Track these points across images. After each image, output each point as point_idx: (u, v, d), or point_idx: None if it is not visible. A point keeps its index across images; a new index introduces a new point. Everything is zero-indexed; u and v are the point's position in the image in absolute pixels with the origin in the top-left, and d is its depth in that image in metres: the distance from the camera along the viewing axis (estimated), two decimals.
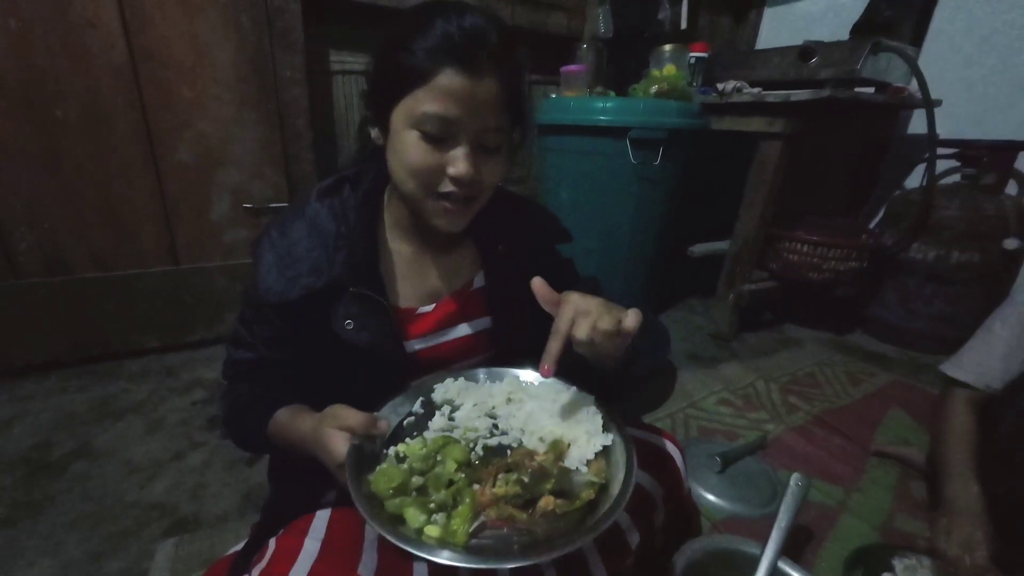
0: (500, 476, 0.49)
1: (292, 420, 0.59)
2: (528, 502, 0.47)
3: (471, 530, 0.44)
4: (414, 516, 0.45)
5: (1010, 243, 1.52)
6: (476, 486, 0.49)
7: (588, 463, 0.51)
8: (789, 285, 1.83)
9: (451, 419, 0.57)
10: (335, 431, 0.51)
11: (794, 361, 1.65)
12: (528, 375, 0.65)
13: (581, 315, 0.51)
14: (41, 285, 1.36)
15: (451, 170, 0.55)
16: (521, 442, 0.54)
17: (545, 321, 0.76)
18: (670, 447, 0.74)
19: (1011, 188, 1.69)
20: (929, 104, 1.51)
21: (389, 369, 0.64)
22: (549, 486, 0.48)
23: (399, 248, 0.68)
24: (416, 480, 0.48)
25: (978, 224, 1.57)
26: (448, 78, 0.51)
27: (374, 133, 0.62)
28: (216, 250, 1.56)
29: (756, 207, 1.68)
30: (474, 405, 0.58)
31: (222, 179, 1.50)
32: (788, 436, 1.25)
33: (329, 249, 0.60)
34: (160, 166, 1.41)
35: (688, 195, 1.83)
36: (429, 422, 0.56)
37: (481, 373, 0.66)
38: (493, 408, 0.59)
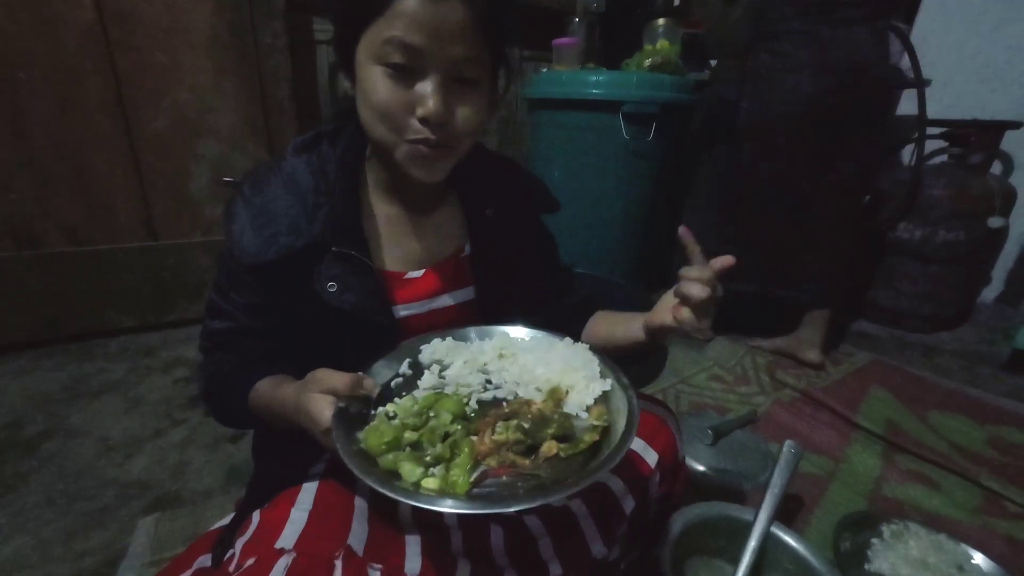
0: (499, 424, 0.47)
1: (274, 390, 0.55)
2: (529, 449, 0.45)
3: (472, 480, 0.42)
4: (410, 470, 0.42)
5: (994, 221, 1.54)
6: (474, 438, 0.46)
7: (588, 409, 0.48)
8: None
9: (441, 377, 0.54)
10: (319, 395, 0.47)
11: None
12: (518, 331, 0.61)
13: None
14: (9, 259, 1.29)
15: (419, 110, 0.49)
16: (516, 394, 0.52)
17: (530, 292, 0.74)
18: (664, 414, 0.73)
19: (996, 167, 1.71)
20: (920, 83, 1.51)
21: (376, 335, 0.60)
22: (551, 431, 0.45)
23: (382, 208, 0.64)
24: (409, 435, 0.45)
25: (964, 203, 1.58)
26: (411, 1, 0.46)
27: (346, 84, 0.56)
28: (196, 225, 1.50)
29: None
30: (464, 363, 0.54)
31: (201, 151, 1.44)
32: (777, 410, 1.26)
33: (308, 206, 0.56)
34: (134, 135, 1.34)
35: (679, 173, 1.82)
36: (418, 381, 0.53)
37: (471, 332, 0.62)
38: (485, 365, 0.55)
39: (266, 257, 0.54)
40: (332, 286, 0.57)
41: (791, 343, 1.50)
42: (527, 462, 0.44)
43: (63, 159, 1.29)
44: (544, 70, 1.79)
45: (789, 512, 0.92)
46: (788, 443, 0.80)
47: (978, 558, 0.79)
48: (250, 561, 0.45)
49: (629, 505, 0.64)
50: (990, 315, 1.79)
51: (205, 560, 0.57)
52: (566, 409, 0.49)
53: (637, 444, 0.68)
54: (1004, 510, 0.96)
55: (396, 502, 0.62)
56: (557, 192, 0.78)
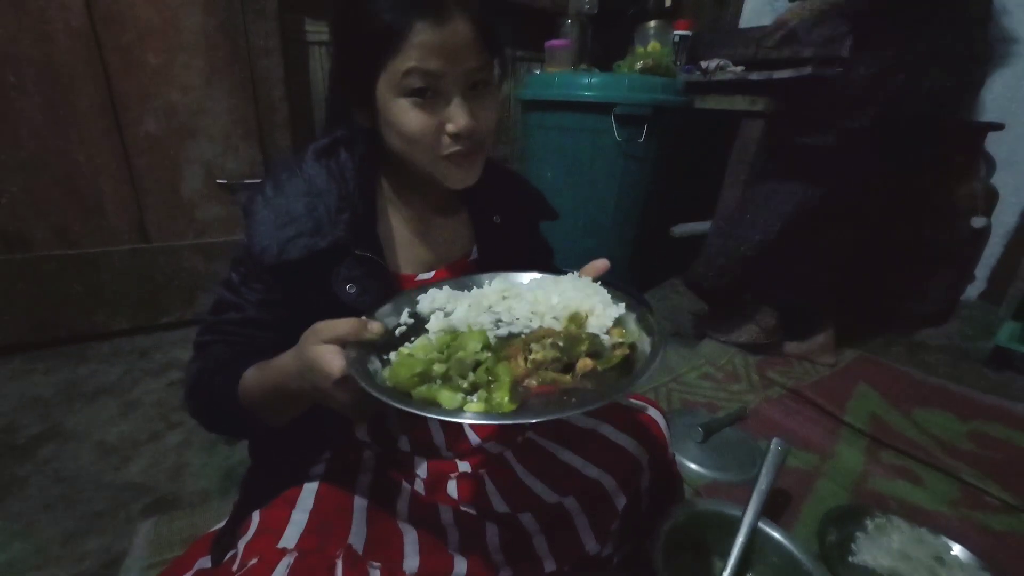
0: (533, 345, 0.45)
1: (265, 366, 0.53)
2: (565, 368, 0.44)
3: (517, 401, 0.40)
4: (450, 398, 0.40)
5: (977, 221, 1.57)
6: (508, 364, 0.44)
7: (608, 331, 0.48)
8: None
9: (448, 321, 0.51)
10: (324, 346, 0.45)
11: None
12: (518, 276, 0.60)
13: None
14: (1, 263, 1.28)
15: (450, 127, 0.53)
16: (531, 328, 0.49)
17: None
18: (653, 412, 0.75)
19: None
20: None
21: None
22: (584, 347, 0.45)
23: (397, 213, 0.66)
24: (439, 368, 0.43)
25: (948, 202, 1.62)
26: (421, 33, 0.49)
27: (360, 117, 0.59)
28: (188, 227, 1.50)
29: (738, 187, 1.69)
30: (469, 306, 0.52)
31: (193, 152, 1.43)
32: (766, 408, 1.28)
33: (331, 210, 0.57)
34: (126, 137, 1.34)
35: (671, 175, 1.84)
36: (426, 326, 0.50)
37: (468, 280, 0.60)
38: (491, 307, 0.52)
39: (289, 256, 0.55)
40: (351, 288, 0.58)
41: (811, 348, 1.54)
42: (567, 379, 0.43)
43: (54, 162, 1.28)
44: (537, 72, 1.80)
45: (777, 507, 0.95)
46: (775, 440, 0.82)
47: (957, 549, 0.82)
48: (253, 560, 0.46)
49: (621, 502, 0.66)
50: (974, 312, 1.83)
51: (205, 562, 0.58)
52: (588, 330, 0.47)
53: (628, 441, 0.69)
54: (982, 503, 0.99)
55: (394, 503, 0.64)
56: (550, 193, 0.81)
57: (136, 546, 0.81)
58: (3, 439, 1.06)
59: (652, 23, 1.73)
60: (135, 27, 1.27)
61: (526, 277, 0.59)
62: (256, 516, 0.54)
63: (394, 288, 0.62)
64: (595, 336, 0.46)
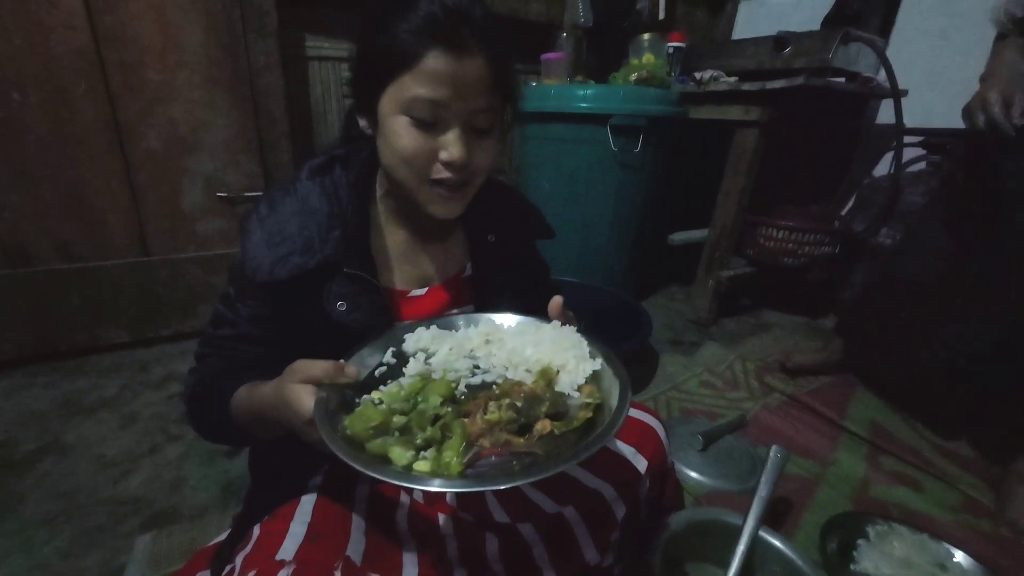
0: (491, 404, 0.46)
1: (253, 390, 0.54)
2: (523, 428, 0.44)
3: (465, 460, 0.40)
4: (400, 455, 0.40)
5: None
6: (465, 420, 0.45)
7: (579, 388, 0.48)
8: (765, 271, 1.88)
9: (427, 364, 0.53)
10: (299, 385, 0.46)
11: (769, 345, 1.70)
12: (505, 318, 0.61)
13: None
14: (2, 277, 1.29)
15: (443, 155, 0.54)
16: (505, 377, 0.51)
17: (527, 311, 0.77)
18: (652, 421, 0.75)
19: None
20: (896, 93, 1.56)
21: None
22: (544, 409, 0.44)
23: (391, 231, 0.67)
24: (398, 419, 0.44)
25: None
26: (435, 60, 0.50)
27: (363, 123, 0.60)
28: (189, 240, 1.51)
29: (733, 195, 1.71)
30: (450, 349, 0.53)
31: (194, 166, 1.45)
32: (765, 415, 1.28)
33: (323, 228, 0.58)
34: (128, 152, 1.35)
35: (667, 184, 1.86)
36: (404, 368, 0.52)
37: (456, 319, 0.62)
38: (472, 351, 0.54)
39: (278, 276, 0.56)
40: (342, 305, 0.59)
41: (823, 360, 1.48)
42: (521, 440, 0.43)
43: (56, 177, 1.29)
44: (533, 84, 1.83)
45: (778, 515, 0.94)
46: (774, 448, 0.82)
47: (959, 556, 0.82)
48: (251, 573, 0.46)
49: (620, 512, 0.66)
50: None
51: (205, 575, 0.58)
52: (557, 389, 0.48)
53: (627, 451, 0.70)
54: (984, 509, 0.99)
55: (393, 514, 0.64)
56: (546, 203, 0.82)
57: (135, 560, 0.81)
58: (3, 454, 1.05)
59: (647, 35, 1.76)
60: (138, 45, 1.29)
61: (512, 320, 0.60)
62: (256, 529, 0.54)
63: (386, 305, 0.63)
64: (559, 396, 0.47)
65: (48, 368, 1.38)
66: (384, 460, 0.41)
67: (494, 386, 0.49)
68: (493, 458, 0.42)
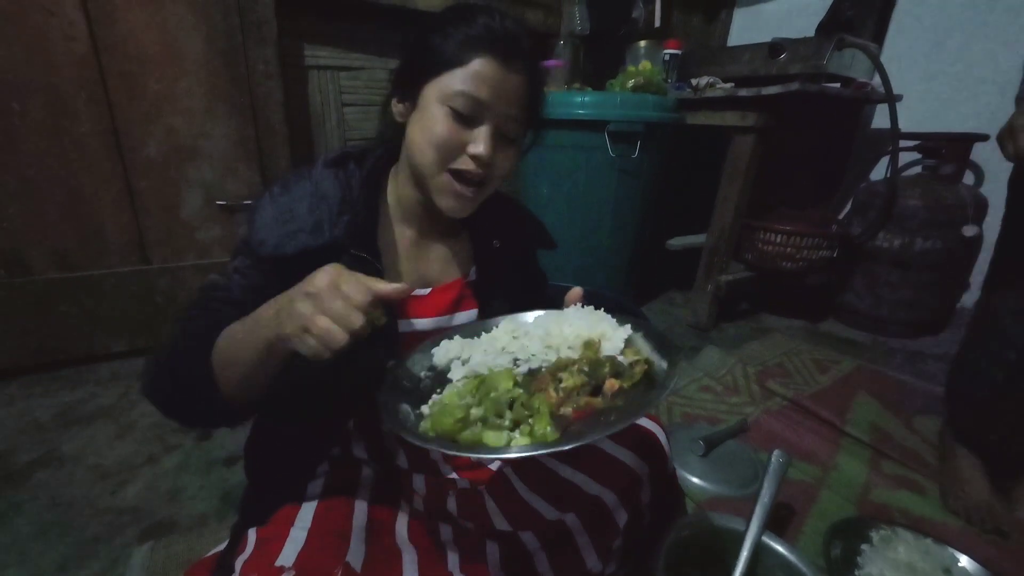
0: (562, 374, 0.48)
1: (253, 313, 0.50)
2: (594, 391, 0.47)
3: (559, 428, 0.43)
4: (496, 438, 0.42)
5: (968, 230, 1.59)
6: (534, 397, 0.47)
7: (622, 352, 0.51)
8: (764, 275, 1.89)
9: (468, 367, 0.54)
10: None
11: (769, 349, 1.70)
12: (523, 316, 0.62)
13: None
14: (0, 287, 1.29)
15: (472, 148, 0.57)
16: (554, 359, 0.52)
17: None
18: (653, 427, 0.75)
19: (968, 178, 1.78)
20: (891, 98, 1.57)
21: (378, 343, 0.60)
22: (607, 369, 0.48)
23: (398, 229, 0.68)
24: (475, 411, 0.45)
25: (939, 212, 1.64)
26: (485, 64, 0.56)
27: (398, 108, 0.63)
28: (189, 249, 1.51)
29: (731, 199, 1.72)
30: (484, 351, 0.54)
31: (193, 175, 1.45)
32: (766, 419, 1.28)
33: (333, 212, 0.60)
34: (127, 161, 1.36)
35: (665, 190, 1.87)
36: (448, 375, 0.53)
37: (476, 326, 0.62)
38: (503, 348, 0.55)
39: (284, 251, 0.57)
40: None
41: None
42: (598, 400, 0.45)
43: (55, 186, 1.29)
44: None
45: (780, 520, 0.94)
46: (776, 453, 0.82)
47: (964, 561, 0.81)
48: None
49: (622, 518, 0.65)
50: (970, 320, 1.84)
51: None
52: (604, 353, 0.50)
53: (628, 456, 0.69)
54: None
55: (393, 522, 0.63)
56: (545, 208, 0.83)
57: (132, 572, 0.80)
58: (0, 465, 1.05)
59: (643, 43, 1.78)
60: (137, 54, 1.30)
61: (530, 316, 0.62)
62: (252, 534, 0.53)
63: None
64: (613, 358, 0.49)
65: (46, 378, 1.37)
66: (480, 446, 0.42)
67: (543, 369, 0.51)
68: (584, 420, 0.44)
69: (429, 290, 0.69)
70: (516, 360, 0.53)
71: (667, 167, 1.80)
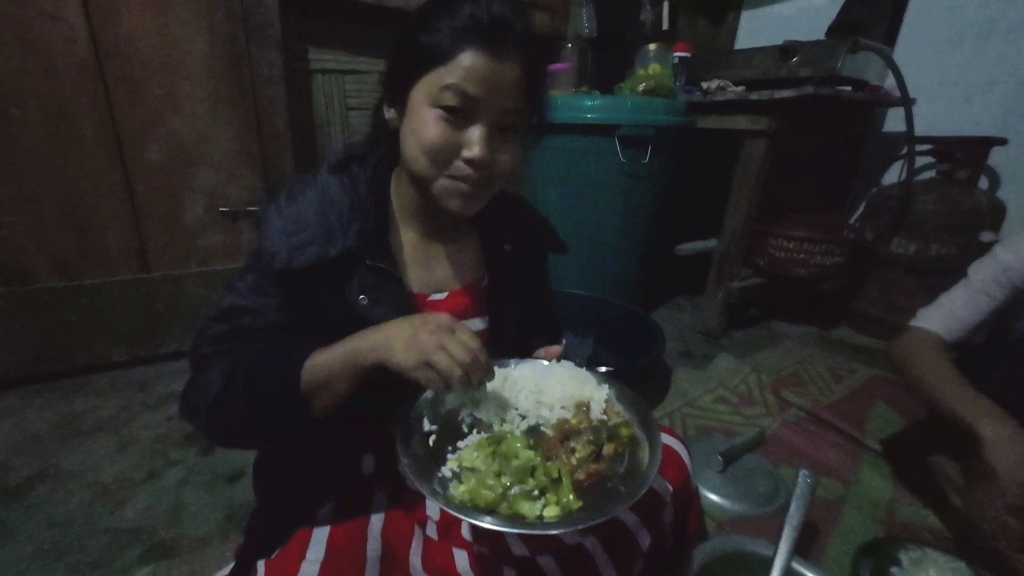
0: (575, 444, 0.54)
1: (345, 343, 0.50)
2: (597, 454, 0.54)
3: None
4: (530, 508, 0.47)
5: (986, 236, 1.56)
6: (549, 463, 0.52)
7: (605, 411, 0.57)
8: (775, 281, 1.85)
9: (474, 419, 0.57)
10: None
11: (782, 357, 1.66)
12: (506, 364, 0.64)
13: None
14: None
15: (466, 152, 0.53)
16: (545, 419, 0.58)
17: (529, 325, 0.76)
18: (674, 443, 0.72)
19: (983, 183, 1.74)
20: (907, 101, 1.55)
21: None
22: (605, 435, 0.54)
23: (407, 232, 0.65)
24: (503, 480, 0.49)
25: (954, 218, 1.61)
26: (472, 57, 0.51)
27: (389, 113, 0.59)
28: (191, 256, 1.48)
29: (743, 205, 1.69)
30: (494, 406, 0.58)
31: (196, 181, 1.43)
32: (784, 432, 1.25)
33: (343, 218, 0.57)
34: (128, 167, 1.33)
35: (674, 194, 1.84)
36: (460, 443, 0.55)
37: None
38: (507, 400, 0.59)
39: (297, 263, 0.54)
40: (363, 299, 0.57)
41: None
42: (603, 466, 0.52)
43: (55, 192, 1.27)
44: None
45: (804, 540, 0.90)
46: (803, 472, 0.78)
47: None
48: None
49: (644, 540, 0.63)
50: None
51: None
52: (592, 416, 0.57)
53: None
54: None
55: (407, 551, 0.60)
56: (553, 213, 0.80)
57: None
58: None
59: (652, 46, 1.75)
60: (140, 59, 1.27)
61: (512, 363, 0.64)
62: (261, 568, 0.50)
63: (409, 300, 0.61)
64: (604, 421, 0.56)
65: (45, 388, 1.34)
66: (519, 517, 0.47)
67: (540, 427, 0.56)
68: (594, 486, 0.51)
69: (446, 294, 0.66)
70: (520, 415, 0.58)
71: (676, 171, 1.78)
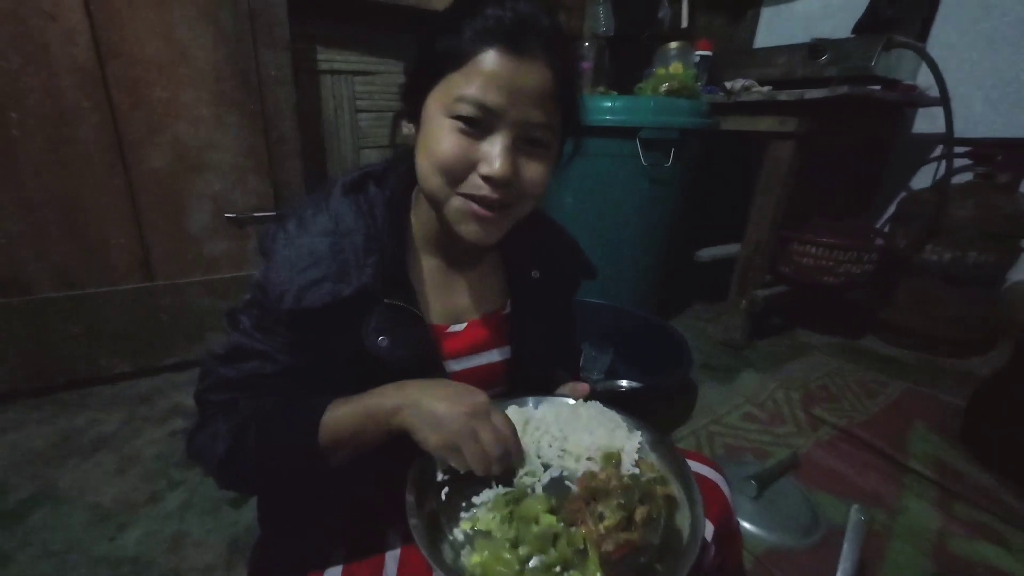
0: (602, 510, 0.46)
1: (364, 401, 0.47)
2: (626, 520, 0.46)
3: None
4: None
5: None
6: (573, 528, 0.46)
7: (637, 464, 0.51)
8: (801, 289, 1.78)
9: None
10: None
11: (809, 370, 1.59)
12: (527, 403, 0.60)
13: None
14: None
15: (484, 168, 0.46)
16: (568, 469, 0.52)
17: (557, 357, 0.70)
18: (713, 475, 0.65)
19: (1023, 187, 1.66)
20: (946, 101, 1.47)
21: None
22: (637, 497, 0.47)
23: (427, 258, 0.60)
24: (523, 551, 0.44)
25: (994, 224, 1.53)
26: (490, 59, 0.44)
27: (407, 128, 0.53)
28: (195, 264, 1.44)
29: (768, 210, 1.62)
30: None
31: (201, 187, 1.38)
32: (817, 452, 1.18)
33: (359, 252, 0.51)
34: (131, 173, 1.28)
35: (695, 198, 1.77)
36: (475, 499, 0.49)
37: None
38: (529, 445, 0.53)
39: (309, 304, 0.48)
40: (383, 340, 0.51)
41: None
42: (635, 535, 0.44)
43: (55, 199, 1.22)
44: None
45: None
46: (855, 507, 0.72)
47: None
48: None
49: None
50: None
51: None
52: (623, 469, 0.50)
53: None
54: None
55: None
56: (570, 218, 0.75)
57: None
58: None
59: (674, 44, 1.68)
60: (142, 61, 1.22)
61: (532, 402, 0.59)
62: None
63: (430, 340, 0.55)
64: (636, 479, 0.49)
65: (45, 402, 1.30)
66: None
67: (565, 481, 0.50)
68: (623, 559, 0.44)
69: (464, 325, 0.61)
70: (545, 464, 0.52)
71: (698, 174, 1.70)
